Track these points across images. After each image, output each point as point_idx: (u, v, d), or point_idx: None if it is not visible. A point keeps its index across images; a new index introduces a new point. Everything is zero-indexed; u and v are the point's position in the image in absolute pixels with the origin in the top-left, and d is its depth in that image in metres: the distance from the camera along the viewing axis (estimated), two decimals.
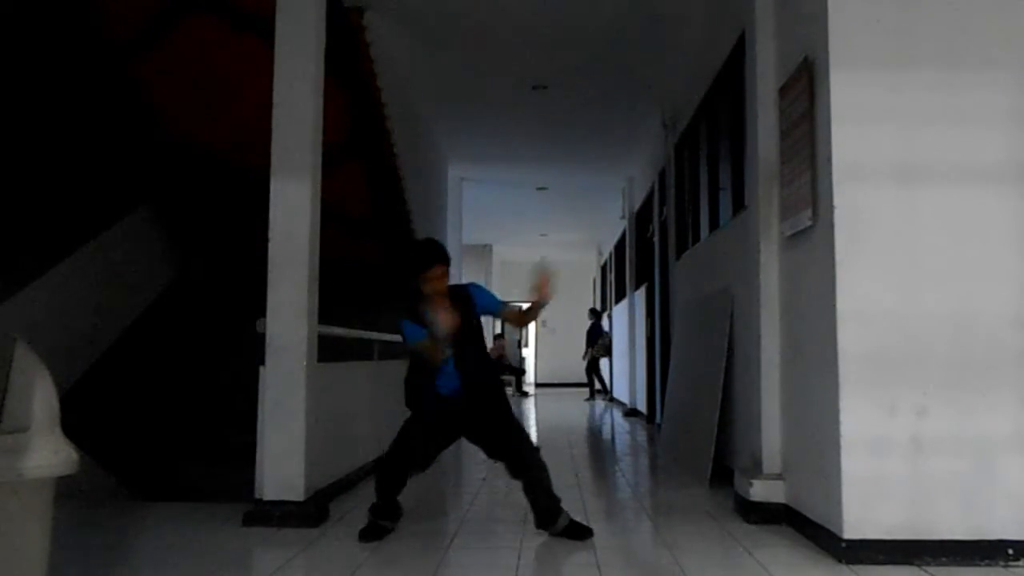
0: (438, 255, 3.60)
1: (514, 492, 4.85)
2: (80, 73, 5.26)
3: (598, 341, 14.51)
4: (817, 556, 3.21)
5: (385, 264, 7.82)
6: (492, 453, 3.69)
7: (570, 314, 17.08)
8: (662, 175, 8.51)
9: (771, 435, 3.93)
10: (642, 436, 8.16)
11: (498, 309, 3.78)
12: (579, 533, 3.54)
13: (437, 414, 3.62)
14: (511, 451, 3.63)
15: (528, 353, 20.30)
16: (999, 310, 3.12)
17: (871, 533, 3.05)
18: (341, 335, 4.85)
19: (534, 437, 7.96)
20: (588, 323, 14.98)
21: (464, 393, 3.58)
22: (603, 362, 14.88)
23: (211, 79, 5.54)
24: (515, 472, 3.63)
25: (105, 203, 5.93)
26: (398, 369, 6.88)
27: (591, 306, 15.86)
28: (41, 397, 1.67)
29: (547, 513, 3.58)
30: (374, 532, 3.57)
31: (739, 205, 4.96)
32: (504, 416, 3.68)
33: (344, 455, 4.79)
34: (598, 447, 7.85)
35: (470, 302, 3.65)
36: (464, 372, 3.58)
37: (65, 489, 1.72)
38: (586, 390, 14.95)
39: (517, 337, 18.86)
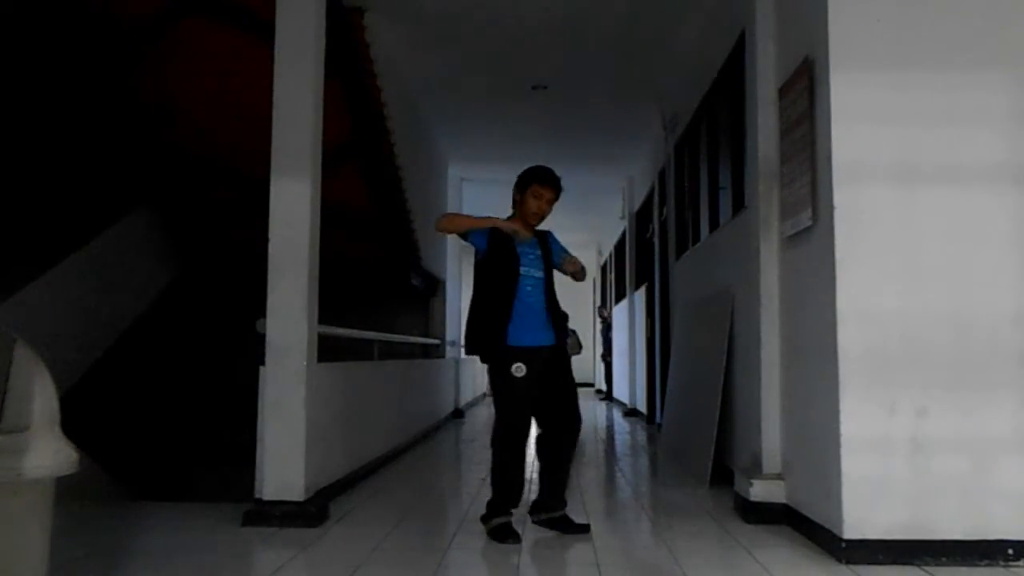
0: (558, 181, 3.62)
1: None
2: (78, 73, 5.26)
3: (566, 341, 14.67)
4: (817, 556, 3.21)
5: (385, 264, 7.83)
6: (545, 419, 3.63)
7: (571, 314, 17.10)
8: (662, 175, 8.51)
9: (771, 435, 3.93)
10: (642, 436, 8.16)
11: (560, 260, 3.72)
12: (579, 528, 3.59)
13: (528, 361, 3.47)
14: (569, 420, 3.59)
15: None
16: (999, 310, 3.12)
17: (871, 533, 3.05)
18: (341, 335, 4.85)
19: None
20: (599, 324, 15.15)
21: (556, 341, 3.55)
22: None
23: (210, 79, 5.54)
24: (554, 444, 3.61)
25: (104, 204, 5.93)
26: (398, 369, 6.92)
27: None
28: (41, 397, 1.67)
29: (550, 502, 3.62)
30: (508, 533, 3.49)
31: (739, 205, 4.96)
32: (573, 381, 3.67)
33: (344, 455, 4.79)
34: (598, 447, 7.84)
35: (548, 250, 3.67)
36: (554, 317, 3.56)
37: (65, 489, 1.72)
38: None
39: None
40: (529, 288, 3.55)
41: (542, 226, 3.73)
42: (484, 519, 3.61)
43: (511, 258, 3.54)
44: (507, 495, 3.58)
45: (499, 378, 3.53)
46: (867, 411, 3.09)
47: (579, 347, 3.76)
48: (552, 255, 3.69)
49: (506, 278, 3.52)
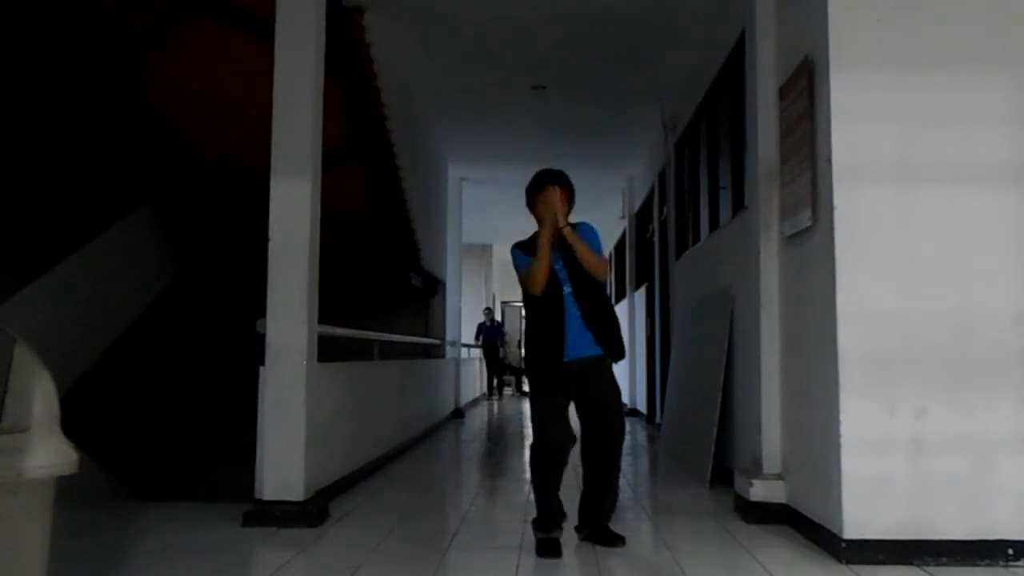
0: (549, 176, 3.49)
1: (514, 493, 4.86)
2: (79, 73, 5.26)
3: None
4: (817, 556, 3.21)
5: (385, 264, 7.82)
6: (590, 427, 3.42)
7: None
8: (662, 175, 8.51)
9: (771, 435, 3.93)
10: (642, 436, 8.16)
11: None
12: (611, 540, 3.43)
13: (559, 378, 3.34)
14: (596, 431, 3.41)
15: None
16: (999, 310, 3.12)
17: (871, 533, 3.06)
18: (341, 335, 4.85)
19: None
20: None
21: (598, 352, 3.33)
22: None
23: (210, 79, 5.54)
24: (596, 456, 3.42)
25: (105, 203, 5.93)
26: (398, 369, 6.92)
27: (486, 306, 16.17)
28: (41, 397, 1.66)
29: (596, 516, 3.46)
30: (547, 548, 3.30)
31: (739, 205, 4.96)
32: (617, 389, 3.46)
33: (344, 455, 4.79)
34: None
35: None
36: (591, 321, 3.34)
37: (65, 489, 1.72)
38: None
39: (518, 338, 18.98)
40: (571, 305, 3.39)
41: (573, 218, 3.53)
42: (533, 527, 3.45)
43: (554, 283, 3.40)
44: (540, 511, 3.42)
45: (532, 393, 3.52)
46: (867, 411, 3.09)
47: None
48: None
49: (552, 295, 3.39)
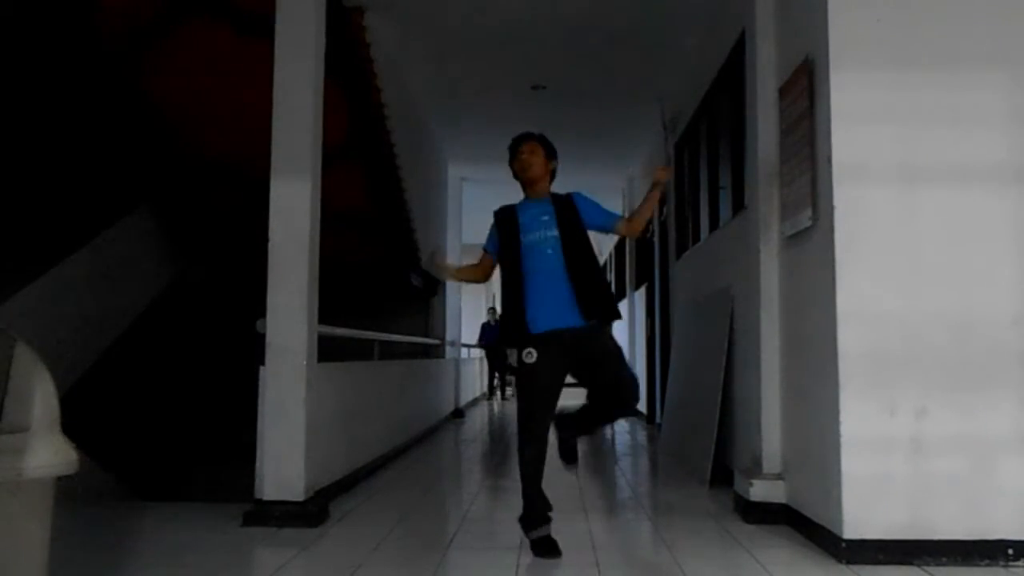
0: (528, 135, 3.49)
1: (514, 492, 4.86)
2: (79, 73, 5.26)
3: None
4: (817, 556, 3.21)
5: (385, 264, 7.83)
6: (596, 389, 3.37)
7: None
8: None
9: (771, 435, 3.93)
10: (642, 436, 8.16)
11: (613, 224, 3.44)
12: (570, 456, 3.45)
13: (541, 355, 3.19)
14: (621, 389, 3.37)
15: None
16: (999, 310, 3.12)
17: (871, 533, 3.05)
18: (341, 335, 4.85)
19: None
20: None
21: (585, 319, 3.20)
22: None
23: (210, 79, 5.54)
24: (607, 405, 3.40)
25: (105, 203, 5.93)
26: (398, 369, 6.92)
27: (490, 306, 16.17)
28: (41, 397, 1.66)
29: (577, 424, 3.46)
30: (546, 547, 3.23)
31: (739, 205, 4.96)
32: (620, 351, 3.40)
33: (344, 455, 4.79)
34: (598, 447, 7.85)
35: (573, 209, 3.35)
36: (580, 287, 3.22)
37: (65, 489, 1.72)
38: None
39: None
40: (550, 252, 3.26)
41: (563, 188, 3.50)
42: (522, 527, 3.35)
43: (514, 229, 3.36)
44: (524, 506, 3.32)
45: (515, 370, 3.37)
46: (867, 411, 3.09)
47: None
48: (585, 216, 3.37)
49: (511, 252, 3.35)
